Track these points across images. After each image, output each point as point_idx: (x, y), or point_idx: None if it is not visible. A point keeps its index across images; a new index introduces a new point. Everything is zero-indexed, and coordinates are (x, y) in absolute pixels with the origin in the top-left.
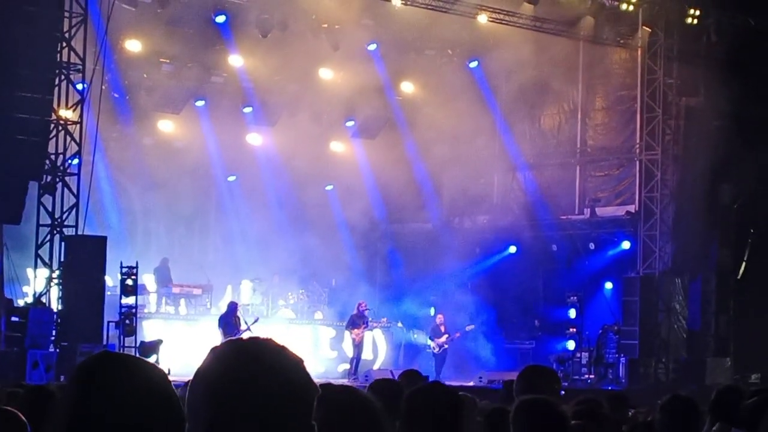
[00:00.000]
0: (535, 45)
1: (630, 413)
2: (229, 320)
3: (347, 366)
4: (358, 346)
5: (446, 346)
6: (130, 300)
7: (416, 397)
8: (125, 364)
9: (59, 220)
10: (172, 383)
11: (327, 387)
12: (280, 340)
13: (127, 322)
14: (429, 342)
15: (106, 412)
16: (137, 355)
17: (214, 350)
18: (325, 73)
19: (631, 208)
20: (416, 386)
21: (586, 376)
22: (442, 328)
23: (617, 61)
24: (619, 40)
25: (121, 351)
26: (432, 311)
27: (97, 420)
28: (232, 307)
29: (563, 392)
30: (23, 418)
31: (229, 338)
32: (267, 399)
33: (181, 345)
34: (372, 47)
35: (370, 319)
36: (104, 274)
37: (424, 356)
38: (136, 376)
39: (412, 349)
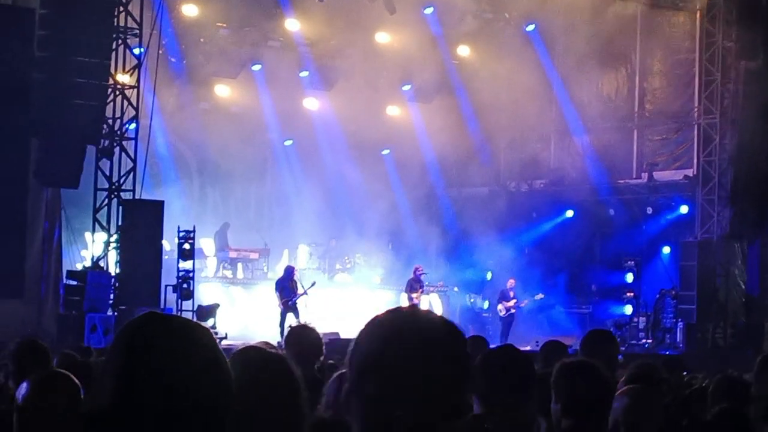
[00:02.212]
0: (592, 8)
1: (686, 377)
2: (285, 284)
3: None
4: None
5: (513, 310)
6: (187, 264)
7: (491, 359)
8: (171, 325)
9: (117, 184)
10: (229, 347)
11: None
12: (337, 304)
13: (185, 286)
14: (498, 306)
15: (153, 372)
16: (195, 318)
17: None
18: (382, 37)
19: (689, 173)
20: (489, 349)
21: (644, 340)
22: (512, 293)
23: (675, 24)
24: (677, 3)
25: (179, 314)
26: (489, 276)
27: (144, 380)
28: (289, 271)
29: (621, 357)
30: (76, 380)
31: (393, 307)
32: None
33: (238, 309)
34: (428, 11)
35: (426, 283)
36: (161, 238)
37: (481, 320)
38: (182, 336)
39: (469, 313)
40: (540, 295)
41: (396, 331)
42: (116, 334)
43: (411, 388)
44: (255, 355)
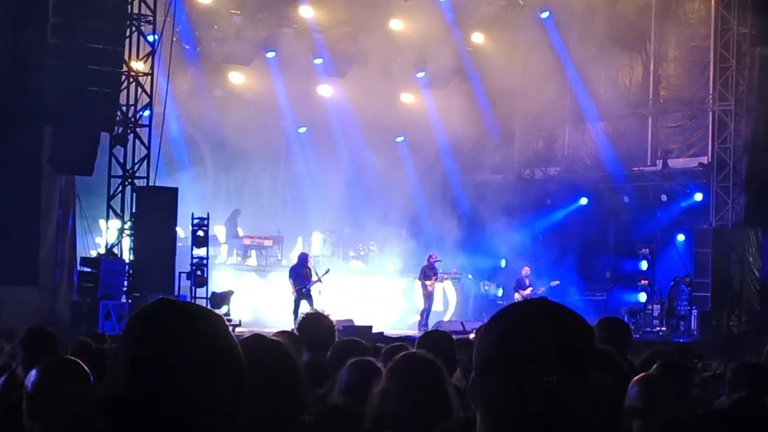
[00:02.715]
0: None
1: (698, 365)
2: (299, 271)
3: (418, 318)
4: (428, 297)
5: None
6: (201, 251)
7: None
8: (183, 311)
9: (131, 171)
10: (242, 334)
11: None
12: (350, 291)
13: (198, 273)
14: (515, 295)
15: (165, 359)
16: (208, 305)
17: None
18: (396, 24)
19: (704, 160)
20: None
21: (658, 328)
22: (527, 281)
23: (690, 10)
24: None
25: (193, 301)
26: (503, 263)
27: (155, 367)
28: (303, 258)
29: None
30: (85, 367)
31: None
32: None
33: (252, 296)
34: None
35: (440, 270)
36: (175, 225)
37: (495, 308)
38: (194, 322)
39: (483, 300)
40: (556, 282)
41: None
42: (128, 321)
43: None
44: (256, 343)
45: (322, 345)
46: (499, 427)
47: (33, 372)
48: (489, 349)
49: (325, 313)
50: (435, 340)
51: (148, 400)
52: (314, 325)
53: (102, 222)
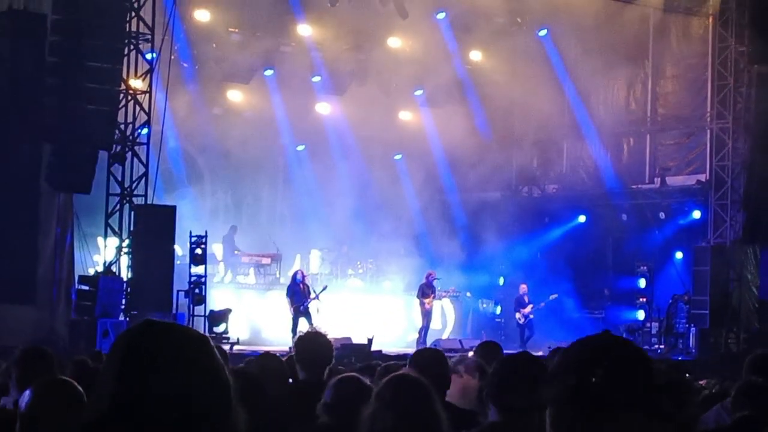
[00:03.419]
0: (604, 13)
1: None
2: (296, 289)
3: (416, 335)
4: (427, 315)
5: (531, 316)
6: (199, 269)
7: (506, 365)
8: (168, 333)
9: (129, 189)
10: (244, 352)
11: None
12: (349, 309)
13: (197, 291)
14: (516, 315)
15: (149, 381)
16: (207, 324)
17: None
18: (394, 42)
19: (702, 177)
20: (505, 355)
21: (656, 346)
22: (526, 299)
23: (688, 28)
24: (690, 8)
25: (191, 319)
26: (501, 280)
27: (141, 389)
28: (296, 277)
29: None
30: (80, 387)
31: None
32: None
33: (250, 314)
34: (440, 16)
35: (438, 288)
36: (173, 243)
37: (493, 326)
38: (179, 344)
39: (481, 318)
40: (554, 295)
41: None
42: (114, 342)
43: None
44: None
45: (319, 364)
46: None
47: (27, 392)
48: None
49: (323, 332)
50: (427, 358)
51: (131, 419)
52: (311, 344)
53: (100, 240)
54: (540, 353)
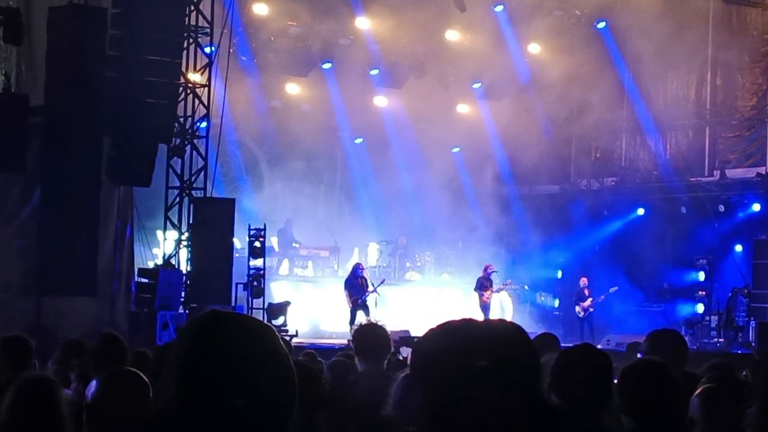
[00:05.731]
0: (664, 4)
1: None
2: (354, 282)
3: None
4: (485, 308)
5: (591, 309)
6: (258, 262)
7: (569, 357)
8: (233, 323)
9: (188, 182)
10: (303, 344)
11: None
12: (407, 302)
13: (255, 283)
14: (576, 308)
15: (215, 370)
16: (265, 316)
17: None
18: (452, 35)
19: (762, 170)
20: (567, 347)
21: (716, 339)
22: (586, 292)
23: (748, 19)
24: None
25: (250, 312)
26: (560, 274)
27: (206, 378)
28: (356, 269)
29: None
30: (146, 378)
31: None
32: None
33: (308, 307)
34: (499, 9)
35: (496, 281)
36: (232, 235)
37: (551, 319)
38: (244, 334)
39: (539, 311)
40: (614, 288)
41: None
42: (179, 333)
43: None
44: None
45: (378, 356)
46: None
47: (93, 383)
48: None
49: (381, 324)
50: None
51: (197, 410)
52: (369, 336)
53: (159, 233)
54: (598, 346)
